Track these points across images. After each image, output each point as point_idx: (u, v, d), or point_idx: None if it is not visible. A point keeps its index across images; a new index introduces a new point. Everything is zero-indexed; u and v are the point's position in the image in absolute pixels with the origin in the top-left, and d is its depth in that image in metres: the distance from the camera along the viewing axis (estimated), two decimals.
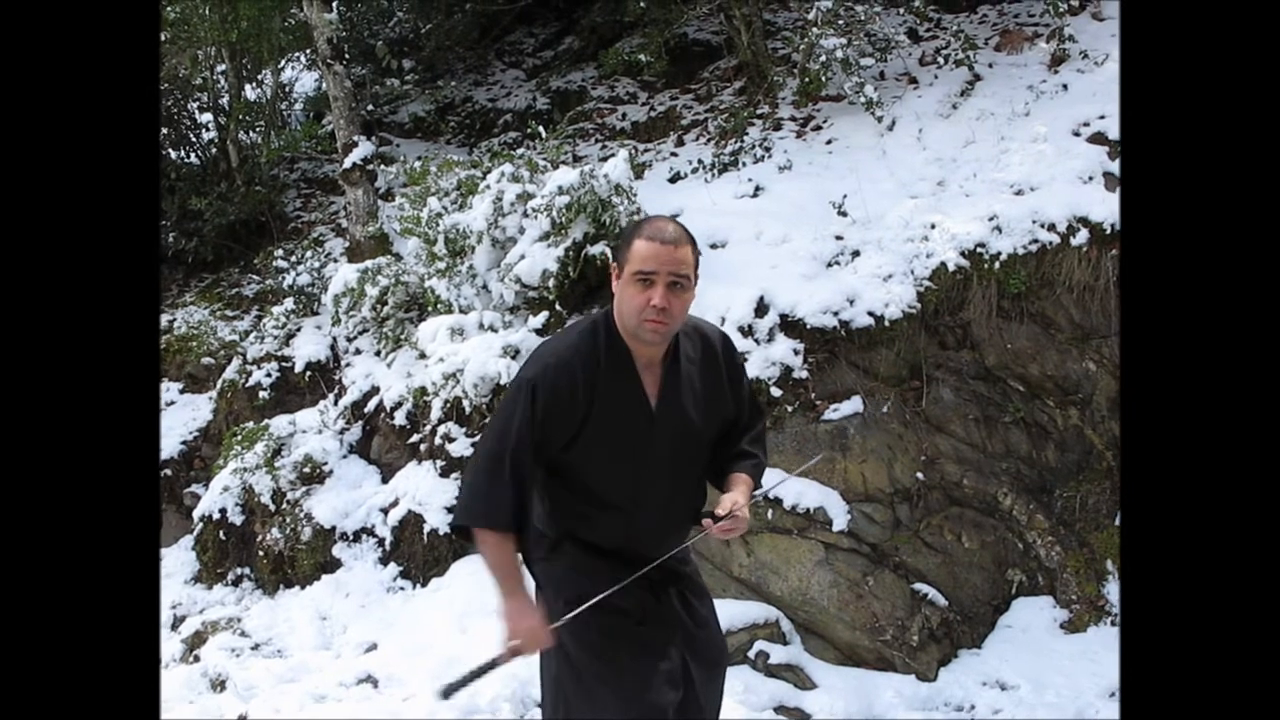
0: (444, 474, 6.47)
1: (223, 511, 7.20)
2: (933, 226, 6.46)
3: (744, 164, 7.85)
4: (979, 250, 6.31)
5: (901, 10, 9.05)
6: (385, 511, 6.70)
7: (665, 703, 3.16)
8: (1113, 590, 5.87)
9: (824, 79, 7.93)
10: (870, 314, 6.13)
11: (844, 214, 6.80)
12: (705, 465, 3.40)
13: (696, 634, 3.35)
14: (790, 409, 6.00)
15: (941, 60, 8.28)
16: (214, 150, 10.55)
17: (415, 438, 6.72)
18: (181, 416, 8.39)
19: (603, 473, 3.20)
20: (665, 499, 3.28)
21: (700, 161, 8.12)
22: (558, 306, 6.49)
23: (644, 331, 3.07)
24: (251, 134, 10.63)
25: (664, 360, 3.20)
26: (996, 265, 6.28)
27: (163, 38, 9.05)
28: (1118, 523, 6.04)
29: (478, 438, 3.24)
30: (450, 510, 3.27)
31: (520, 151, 8.13)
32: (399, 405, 6.86)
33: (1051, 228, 6.34)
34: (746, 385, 3.48)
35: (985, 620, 5.85)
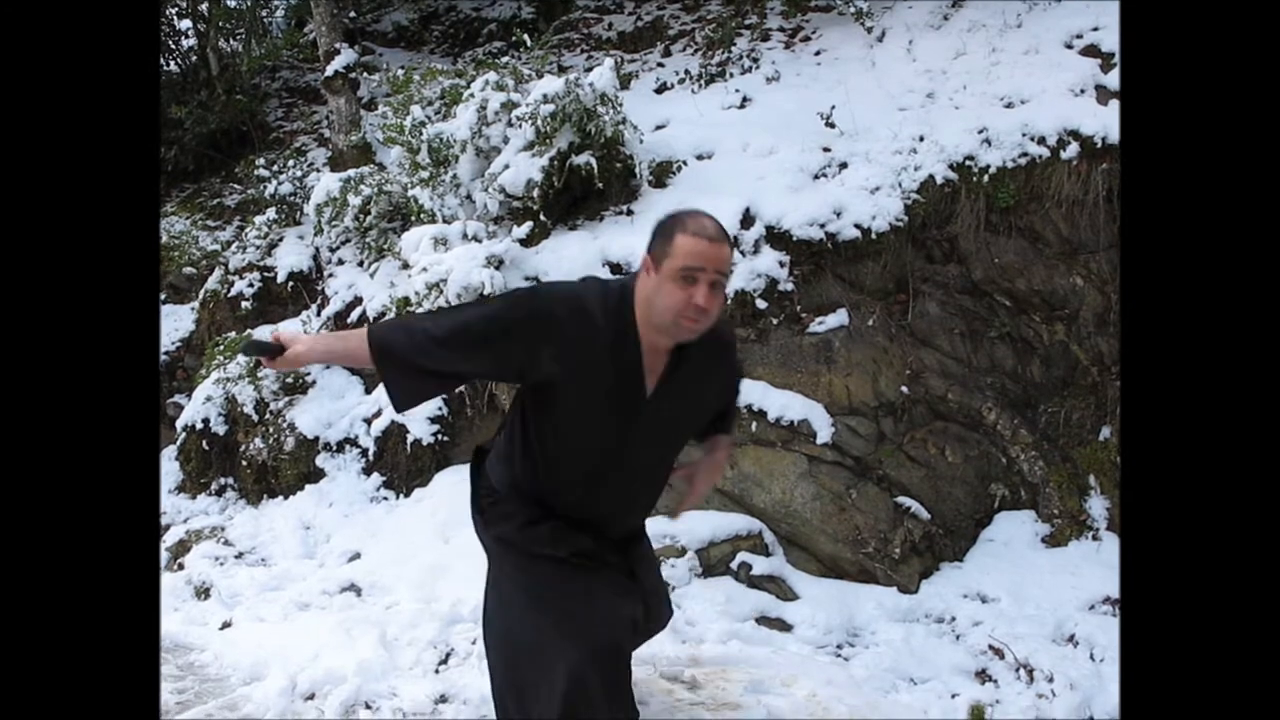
0: None
1: (206, 422, 7.18)
2: (921, 139, 6.40)
3: (731, 75, 7.77)
4: (967, 163, 6.25)
5: None
6: (368, 422, 6.70)
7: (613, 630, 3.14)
8: (1095, 505, 5.91)
9: None
10: (857, 226, 6.08)
11: (832, 126, 6.72)
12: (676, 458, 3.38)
13: (649, 598, 3.36)
14: (775, 321, 5.98)
15: None
16: (194, 58, 10.39)
17: None
18: (164, 327, 8.36)
19: (579, 446, 3.11)
20: (634, 484, 3.26)
21: (687, 72, 8.03)
22: (542, 216, 6.43)
23: (680, 329, 2.92)
24: (232, 41, 10.48)
25: (670, 353, 3.06)
26: (985, 178, 6.23)
27: None
28: (1101, 438, 6.07)
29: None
30: (386, 349, 3.03)
31: (505, 60, 8.02)
32: (382, 315, 6.81)
33: (1041, 141, 6.28)
34: (739, 382, 3.55)
35: (967, 534, 5.88)
